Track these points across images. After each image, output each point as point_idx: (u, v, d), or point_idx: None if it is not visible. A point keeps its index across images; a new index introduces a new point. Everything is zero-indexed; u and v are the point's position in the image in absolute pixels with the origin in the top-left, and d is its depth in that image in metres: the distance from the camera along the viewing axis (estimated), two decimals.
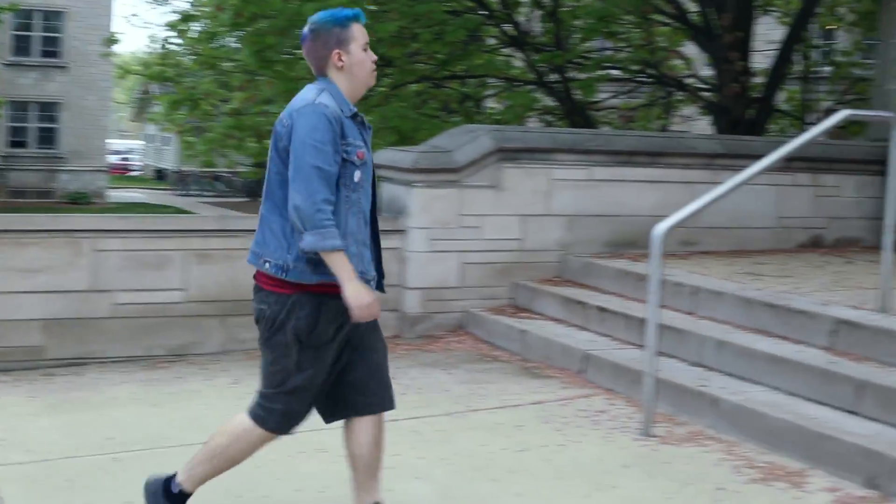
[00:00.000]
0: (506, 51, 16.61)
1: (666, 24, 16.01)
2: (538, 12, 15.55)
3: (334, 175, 4.23)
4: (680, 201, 6.83)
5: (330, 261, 4.19)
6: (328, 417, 4.62)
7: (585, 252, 9.25)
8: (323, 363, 4.41)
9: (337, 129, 4.26)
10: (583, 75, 14.85)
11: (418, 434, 6.09)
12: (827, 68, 19.61)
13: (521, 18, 15.60)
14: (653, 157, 9.51)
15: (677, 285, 7.94)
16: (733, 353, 6.77)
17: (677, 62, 17.97)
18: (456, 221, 8.78)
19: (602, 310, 8.04)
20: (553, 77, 15.32)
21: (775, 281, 8.09)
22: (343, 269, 4.20)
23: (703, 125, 19.07)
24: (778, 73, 15.04)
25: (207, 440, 4.59)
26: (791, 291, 7.58)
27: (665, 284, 7.87)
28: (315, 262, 4.24)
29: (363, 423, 4.54)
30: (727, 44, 12.92)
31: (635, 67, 15.88)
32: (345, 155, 4.29)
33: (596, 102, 16.54)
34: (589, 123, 15.20)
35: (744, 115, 13.99)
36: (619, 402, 6.85)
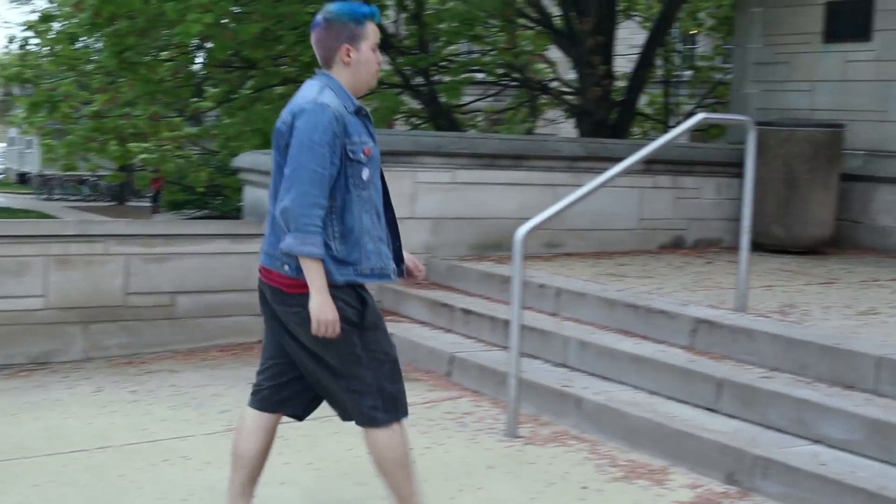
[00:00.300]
0: None
1: (530, 28, 16.16)
2: (404, 15, 15.58)
3: (329, 178, 4.14)
4: (543, 203, 6.89)
5: (304, 267, 4.11)
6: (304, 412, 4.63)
7: (451, 255, 9.27)
8: (387, 337, 4.37)
9: (338, 130, 4.17)
10: (448, 78, 14.90)
11: (284, 440, 6.01)
12: (688, 72, 20.00)
13: (386, 21, 15.59)
14: (516, 159, 9.58)
15: (541, 287, 8.00)
16: (596, 354, 6.85)
17: (542, 66, 18.17)
18: None
19: (467, 312, 8.07)
20: (419, 80, 15.35)
21: (637, 282, 8.21)
22: (316, 279, 4.11)
23: (569, 128, 19.31)
24: (640, 76, 15.28)
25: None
26: (652, 292, 7.70)
27: (529, 286, 7.97)
28: (338, 261, 4.20)
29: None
30: (589, 48, 13.09)
31: (500, 71, 16.00)
32: (351, 154, 4.21)
33: (462, 105, 16.63)
34: (455, 126, 15.25)
35: (607, 118, 14.19)
36: (485, 403, 6.87)
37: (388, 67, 16.36)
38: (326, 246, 4.15)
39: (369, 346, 4.29)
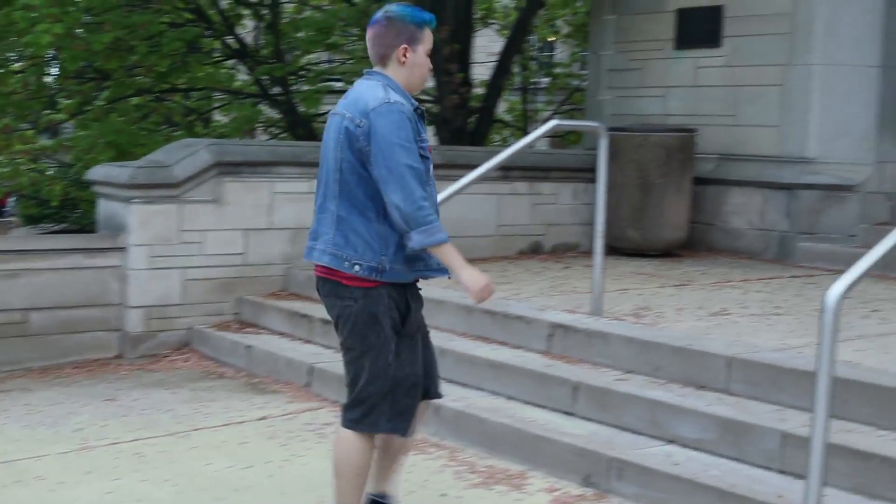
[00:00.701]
0: (232, 63, 16.46)
1: None
2: (261, 24, 15.49)
3: (423, 172, 4.23)
4: None
5: (440, 253, 4.23)
6: None
7: (310, 265, 9.19)
8: (418, 350, 4.45)
9: (414, 126, 4.27)
10: (306, 87, 14.83)
11: (141, 456, 5.93)
12: (546, 79, 20.23)
13: (244, 30, 15.47)
14: None
15: None
16: (455, 361, 6.87)
17: None
18: (177, 237, 8.59)
19: (326, 322, 8.00)
20: (277, 90, 15.26)
21: (496, 288, 8.23)
22: (454, 259, 4.24)
23: (430, 135, 19.34)
24: (497, 84, 15.39)
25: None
26: (510, 298, 7.75)
27: None
28: (411, 258, 4.29)
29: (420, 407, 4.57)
30: (446, 56, 13.13)
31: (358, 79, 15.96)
32: (421, 151, 4.29)
33: (322, 115, 16.57)
34: (314, 136, 15.18)
35: (465, 125, 14.26)
36: None
37: (245, 77, 16.27)
38: (401, 246, 4.26)
39: (401, 354, 4.36)
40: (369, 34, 4.44)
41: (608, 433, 5.74)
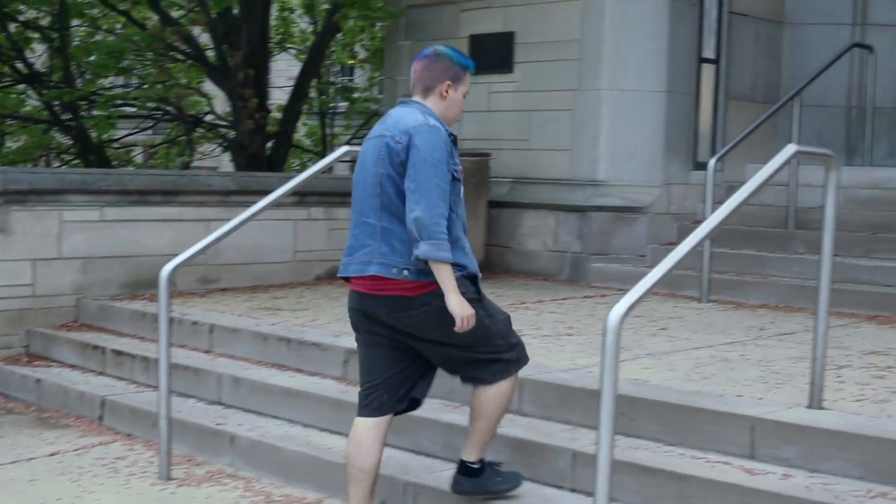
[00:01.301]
0: (22, 88, 16.00)
1: (182, 61, 15.97)
2: (50, 48, 15.11)
3: (449, 192, 4.54)
4: (196, 239, 6.76)
5: (438, 270, 4.49)
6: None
7: (103, 294, 9.01)
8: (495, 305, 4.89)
9: (449, 150, 4.61)
10: (97, 113, 14.51)
11: None
12: (345, 103, 20.25)
13: (34, 55, 15.07)
14: (167, 195, 9.41)
15: (195, 324, 7.89)
16: (250, 390, 6.79)
17: (198, 99, 17.98)
18: None
19: (119, 353, 7.85)
20: (67, 115, 14.90)
21: (292, 315, 8.21)
22: (449, 281, 4.50)
23: (225, 162, 19.19)
24: (295, 108, 15.36)
25: (474, 417, 4.92)
26: (306, 325, 7.71)
27: (183, 324, 7.85)
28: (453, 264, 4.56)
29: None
30: (241, 81, 13.04)
31: (152, 104, 15.72)
32: (454, 173, 4.63)
33: (116, 140, 16.24)
34: (105, 162, 14.88)
35: (262, 150, 14.17)
36: (138, 447, 6.70)
37: (35, 102, 15.82)
38: None
39: (490, 311, 4.79)
40: (417, 66, 4.84)
41: (404, 457, 5.74)
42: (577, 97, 10.41)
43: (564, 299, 9.08)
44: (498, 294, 9.37)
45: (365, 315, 4.81)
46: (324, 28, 15.90)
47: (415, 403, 5.00)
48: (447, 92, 4.79)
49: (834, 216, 5.17)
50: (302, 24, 19.65)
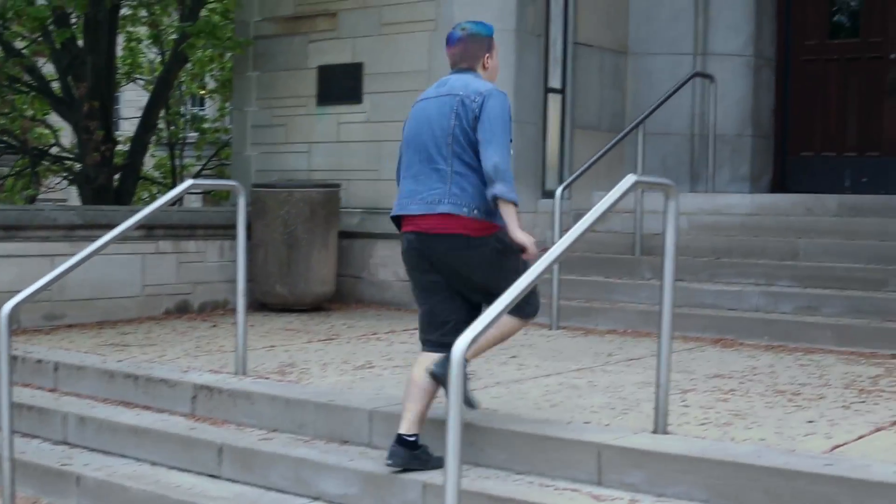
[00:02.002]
0: None
1: (25, 93, 15.64)
2: None
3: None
4: (40, 275, 6.57)
5: (506, 209, 5.10)
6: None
7: None
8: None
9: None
10: None
11: None
12: (195, 134, 20.04)
13: None
14: (10, 230, 9.18)
15: (39, 362, 7.70)
16: (96, 428, 6.64)
17: (44, 131, 17.64)
18: None
19: None
20: None
21: (140, 350, 8.06)
22: (514, 218, 5.11)
23: (72, 195, 18.81)
24: (143, 139, 15.16)
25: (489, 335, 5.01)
26: (154, 360, 7.58)
27: (26, 362, 7.67)
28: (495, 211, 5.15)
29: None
30: (86, 113, 12.81)
31: None
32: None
33: None
34: None
35: (109, 183, 13.93)
36: None
37: None
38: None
39: (528, 265, 4.92)
40: (454, 49, 5.43)
41: (254, 494, 5.67)
42: None
43: (416, 329, 9.06)
44: (350, 325, 9.37)
45: (421, 254, 5.28)
46: (171, 58, 15.72)
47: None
48: (488, 62, 5.45)
49: (674, 244, 5.26)
50: (150, 54, 19.40)
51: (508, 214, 5.10)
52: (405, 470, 5.24)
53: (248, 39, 11.80)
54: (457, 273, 5.25)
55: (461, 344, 4.06)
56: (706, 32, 11.69)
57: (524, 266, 5.05)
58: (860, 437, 5.19)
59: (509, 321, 5.26)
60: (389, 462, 5.26)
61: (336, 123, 11.16)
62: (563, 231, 9.43)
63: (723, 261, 9.55)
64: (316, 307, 10.43)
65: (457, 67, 5.42)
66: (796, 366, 7.26)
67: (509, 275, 4.90)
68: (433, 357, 5.22)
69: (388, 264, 10.66)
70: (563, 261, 7.52)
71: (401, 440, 5.24)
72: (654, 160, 11.37)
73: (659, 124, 11.07)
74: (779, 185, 12.02)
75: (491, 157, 5.07)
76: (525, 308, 5.26)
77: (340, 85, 11.13)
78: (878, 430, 5.35)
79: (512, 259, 5.22)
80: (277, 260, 10.23)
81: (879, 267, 8.76)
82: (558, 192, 9.24)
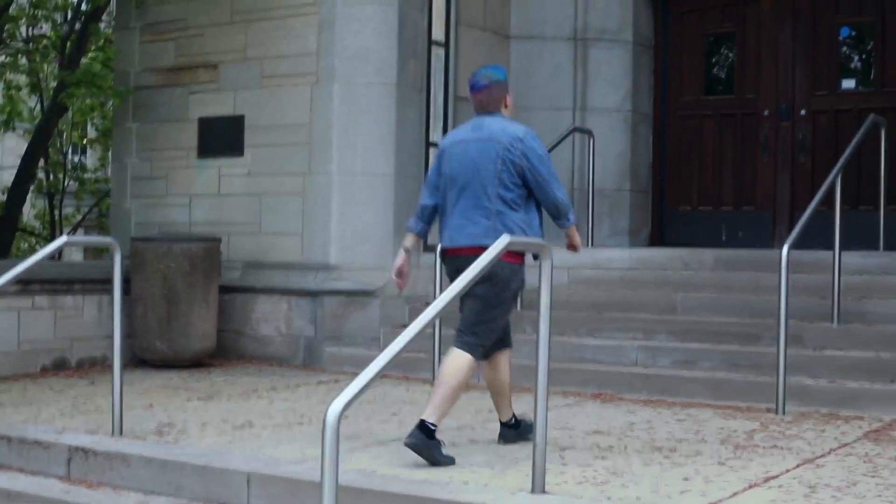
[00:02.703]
0: None
1: None
2: None
3: None
4: None
5: (571, 229, 6.44)
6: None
7: None
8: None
9: None
10: None
11: None
12: (75, 183, 19.77)
13: None
14: None
15: None
16: None
17: None
18: None
19: None
20: None
21: (14, 410, 7.88)
22: (577, 231, 6.54)
23: None
24: (21, 190, 14.89)
25: (439, 385, 6.02)
26: (29, 420, 7.41)
27: None
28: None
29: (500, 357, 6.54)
30: None
31: None
32: None
33: None
34: None
35: None
36: None
37: None
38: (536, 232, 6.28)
39: (507, 309, 6.43)
40: (482, 95, 6.33)
41: None
42: (308, 181, 10.46)
43: (297, 386, 9.05)
44: (230, 382, 9.28)
45: (459, 272, 5.57)
46: (50, 107, 15.51)
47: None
48: (507, 101, 6.41)
49: (549, 307, 5.32)
50: (31, 102, 19.12)
51: (573, 229, 6.48)
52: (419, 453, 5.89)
53: (128, 89, 11.68)
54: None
55: (335, 408, 4.05)
56: (585, 88, 11.91)
57: (505, 307, 6.31)
58: (734, 495, 5.27)
59: (504, 358, 6.52)
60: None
61: (217, 176, 11.09)
62: (444, 286, 9.50)
63: (602, 315, 9.67)
64: (197, 363, 10.31)
65: (485, 110, 6.35)
66: (674, 421, 7.36)
67: (490, 303, 6.18)
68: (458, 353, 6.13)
69: (269, 319, 10.59)
70: (445, 315, 7.55)
71: (503, 426, 6.62)
72: None
73: None
74: (657, 238, 12.24)
75: (550, 197, 6.22)
76: (507, 340, 6.54)
77: (222, 137, 11.07)
78: (751, 486, 5.44)
79: (503, 294, 6.24)
80: (157, 315, 10.10)
81: (754, 321, 8.92)
82: (440, 247, 9.25)
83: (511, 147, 6.12)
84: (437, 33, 10.99)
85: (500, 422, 6.62)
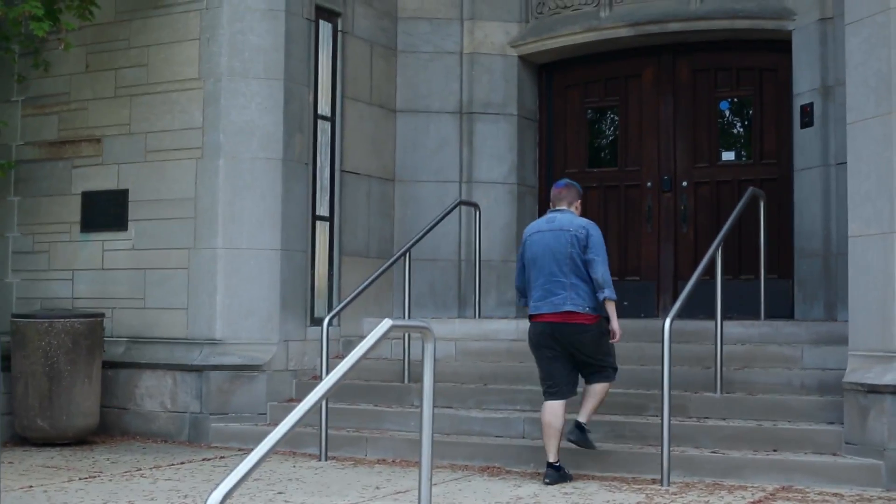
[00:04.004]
0: None
1: None
2: None
3: None
4: None
5: (610, 305, 7.88)
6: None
7: None
8: None
9: None
10: None
11: None
12: None
13: None
14: None
15: None
16: None
17: None
18: None
19: None
20: None
21: None
22: (615, 310, 7.95)
23: None
24: None
25: (589, 396, 7.99)
26: None
27: None
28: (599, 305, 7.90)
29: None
30: None
31: None
32: None
33: None
34: None
35: None
36: None
37: None
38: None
39: (612, 347, 8.13)
40: (562, 191, 8.23)
41: None
42: (193, 255, 10.38)
43: (182, 463, 8.90)
44: (114, 460, 9.11)
45: (552, 336, 7.85)
46: None
47: (574, 392, 8.00)
48: (578, 206, 8.27)
49: (432, 385, 5.35)
50: None
51: (611, 309, 7.88)
52: (558, 483, 7.75)
53: (9, 162, 11.50)
54: (575, 347, 7.85)
55: (215, 498, 4.00)
56: (471, 160, 12.03)
57: (612, 346, 8.01)
58: None
59: (602, 388, 7.97)
60: (547, 481, 7.77)
61: (101, 250, 10.95)
62: (335, 359, 9.49)
63: (490, 387, 9.70)
64: (80, 440, 10.09)
65: (558, 207, 8.17)
66: (560, 494, 7.39)
67: (604, 349, 7.96)
68: (553, 404, 7.85)
69: (154, 395, 10.43)
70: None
71: (552, 465, 7.82)
72: (423, 285, 11.57)
73: (427, 250, 11.28)
74: None
75: (598, 272, 7.81)
76: (611, 374, 8.03)
77: (105, 211, 10.94)
78: None
79: (605, 340, 7.94)
80: (38, 393, 9.89)
81: (640, 391, 9.02)
82: (325, 321, 9.26)
83: (579, 234, 7.87)
84: (324, 107, 11.03)
85: (576, 421, 8.02)
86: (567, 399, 7.85)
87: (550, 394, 7.85)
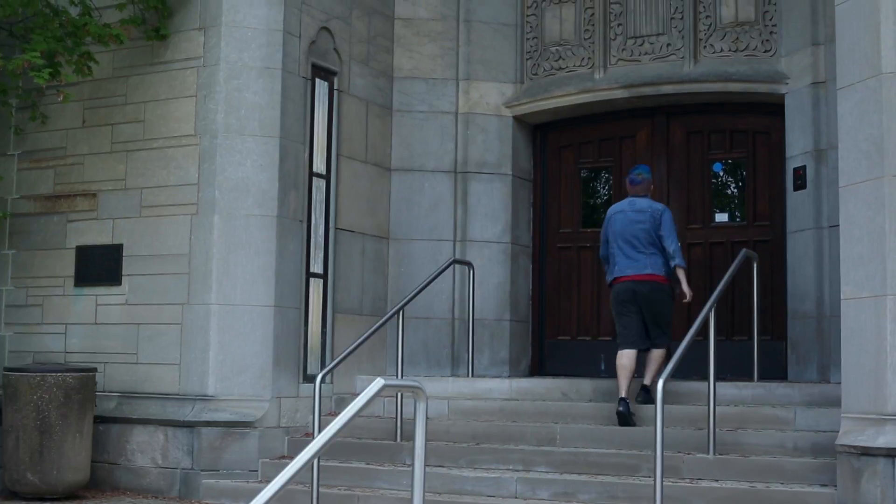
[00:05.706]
0: None
1: None
2: None
3: None
4: None
5: (680, 272, 9.81)
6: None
7: None
8: None
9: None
10: None
11: None
12: None
13: None
14: None
15: None
16: None
17: None
18: None
19: None
20: None
21: None
22: (685, 276, 9.87)
23: None
24: None
25: (650, 362, 9.80)
26: None
27: None
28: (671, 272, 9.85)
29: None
30: None
31: None
32: None
33: None
34: None
35: None
36: None
37: None
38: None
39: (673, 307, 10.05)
40: (639, 187, 10.05)
41: None
42: (186, 311, 10.38)
43: None
44: None
45: (634, 292, 9.69)
46: None
47: (647, 345, 9.81)
48: (651, 189, 10.14)
49: (424, 445, 5.35)
50: None
51: (682, 274, 9.80)
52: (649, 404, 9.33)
53: (4, 213, 11.53)
54: (649, 303, 9.72)
55: None
56: (465, 219, 12.08)
57: (672, 317, 9.90)
58: None
59: (659, 353, 9.73)
60: (639, 400, 9.66)
61: (94, 305, 10.95)
62: (328, 416, 9.47)
63: (482, 446, 9.67)
64: (70, 495, 10.05)
65: (638, 195, 9.97)
66: None
67: (668, 314, 9.87)
68: (628, 351, 9.63)
69: (145, 450, 10.39)
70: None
71: (623, 401, 9.40)
72: (417, 343, 11.57)
73: (421, 308, 11.30)
74: (537, 368, 12.35)
75: (670, 245, 9.73)
76: (666, 342, 9.76)
77: (99, 266, 10.96)
78: None
79: (671, 304, 9.90)
80: (29, 447, 9.86)
81: (632, 452, 9.01)
82: (317, 381, 9.24)
83: (656, 215, 9.78)
84: (319, 165, 11.08)
85: (643, 384, 9.72)
86: (636, 350, 9.66)
87: (626, 343, 9.68)
